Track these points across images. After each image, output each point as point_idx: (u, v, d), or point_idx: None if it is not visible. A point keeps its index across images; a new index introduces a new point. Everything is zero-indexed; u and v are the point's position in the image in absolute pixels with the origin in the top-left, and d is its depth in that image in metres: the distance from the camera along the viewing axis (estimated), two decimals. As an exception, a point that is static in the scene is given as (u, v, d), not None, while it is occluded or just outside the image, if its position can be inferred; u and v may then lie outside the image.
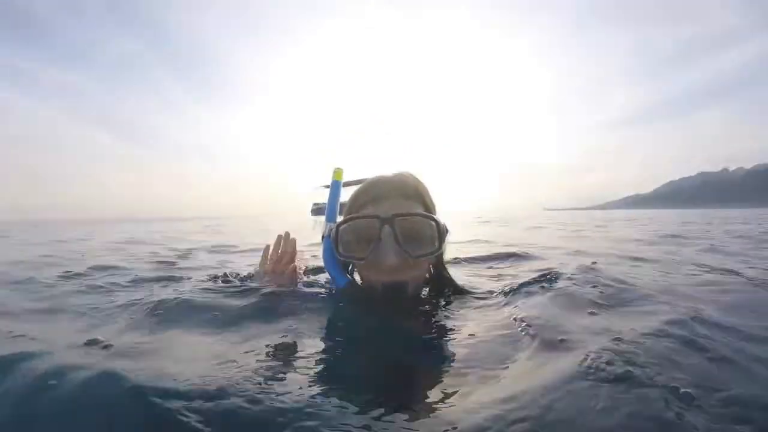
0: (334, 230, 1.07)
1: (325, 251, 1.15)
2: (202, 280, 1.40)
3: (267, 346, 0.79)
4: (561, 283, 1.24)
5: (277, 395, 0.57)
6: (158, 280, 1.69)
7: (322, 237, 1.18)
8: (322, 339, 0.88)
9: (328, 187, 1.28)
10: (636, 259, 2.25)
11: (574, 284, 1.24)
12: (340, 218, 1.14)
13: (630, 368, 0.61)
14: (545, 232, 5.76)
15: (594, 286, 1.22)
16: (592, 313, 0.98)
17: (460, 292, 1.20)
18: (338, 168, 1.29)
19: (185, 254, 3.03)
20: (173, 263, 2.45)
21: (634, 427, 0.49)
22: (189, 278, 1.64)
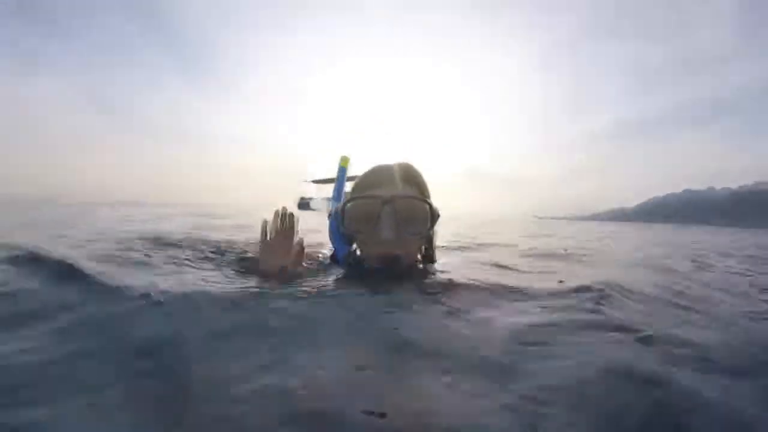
0: (340, 207, 1.23)
1: (331, 226, 1.31)
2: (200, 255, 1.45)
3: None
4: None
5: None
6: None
7: (328, 215, 1.34)
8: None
9: (316, 182, 1.44)
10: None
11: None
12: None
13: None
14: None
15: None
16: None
17: (432, 261, 1.35)
18: (344, 156, 1.46)
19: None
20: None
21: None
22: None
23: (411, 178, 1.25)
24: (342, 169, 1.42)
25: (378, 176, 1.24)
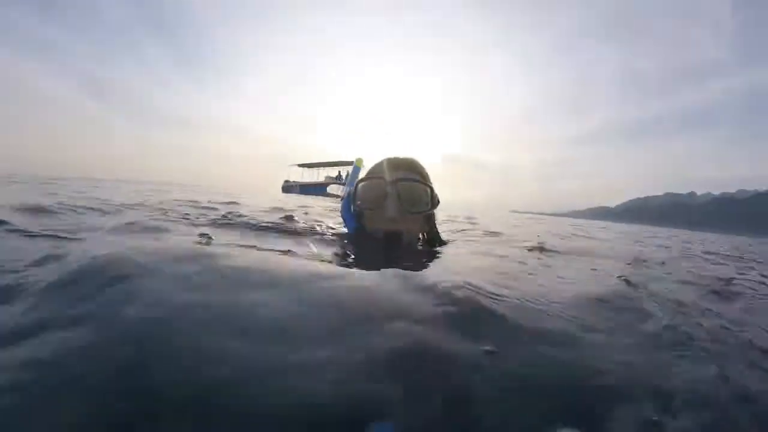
0: (354, 187, 1.43)
1: (343, 205, 1.51)
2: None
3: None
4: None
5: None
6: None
7: (341, 198, 1.58)
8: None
9: (301, 165, 1.62)
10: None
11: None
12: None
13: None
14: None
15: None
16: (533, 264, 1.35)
17: (444, 243, 1.60)
18: (359, 158, 1.73)
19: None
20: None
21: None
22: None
23: (414, 167, 1.44)
24: (356, 168, 1.68)
25: (387, 164, 1.43)
